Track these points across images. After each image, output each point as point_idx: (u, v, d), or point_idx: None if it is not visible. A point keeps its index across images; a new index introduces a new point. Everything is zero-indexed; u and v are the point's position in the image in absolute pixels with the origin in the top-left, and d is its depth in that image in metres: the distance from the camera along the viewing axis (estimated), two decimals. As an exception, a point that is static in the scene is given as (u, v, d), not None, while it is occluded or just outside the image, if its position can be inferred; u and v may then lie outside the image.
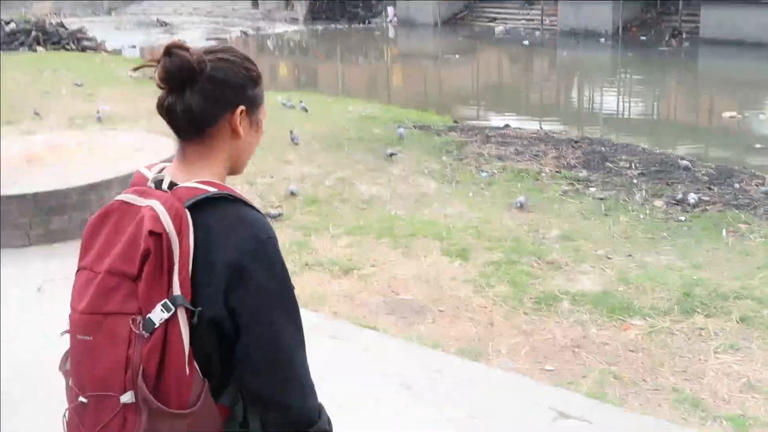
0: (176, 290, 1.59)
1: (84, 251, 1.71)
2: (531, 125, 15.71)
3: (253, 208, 1.79)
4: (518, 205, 9.37)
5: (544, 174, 10.76)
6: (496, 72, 28.98)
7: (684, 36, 29.31)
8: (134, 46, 32.86)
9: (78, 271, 1.72)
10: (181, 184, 1.70)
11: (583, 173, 10.78)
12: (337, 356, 5.46)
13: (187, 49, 1.68)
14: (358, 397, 4.91)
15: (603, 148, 11.98)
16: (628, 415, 4.70)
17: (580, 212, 9.28)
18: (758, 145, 15.37)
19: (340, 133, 13.10)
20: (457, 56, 30.10)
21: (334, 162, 11.36)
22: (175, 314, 1.58)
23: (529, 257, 7.66)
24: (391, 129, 13.28)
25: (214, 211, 1.69)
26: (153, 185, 1.73)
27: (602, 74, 25.85)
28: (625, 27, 31.90)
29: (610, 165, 11.08)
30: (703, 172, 10.77)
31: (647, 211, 9.25)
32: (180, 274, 1.60)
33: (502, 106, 21.27)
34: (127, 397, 1.58)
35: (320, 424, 1.77)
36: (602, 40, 30.97)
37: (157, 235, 1.60)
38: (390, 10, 41.40)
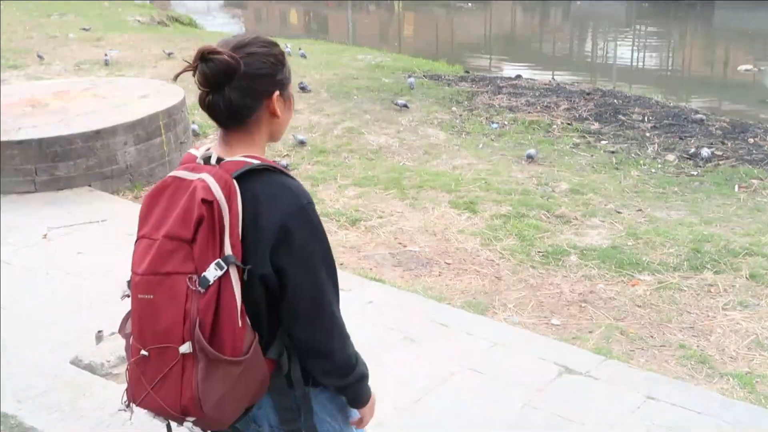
0: (228, 251, 1.75)
1: (142, 222, 1.88)
2: (543, 76, 15.47)
3: (292, 178, 1.93)
4: (528, 157, 9.26)
5: (555, 126, 10.61)
6: (509, 22, 28.54)
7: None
8: None
9: (138, 240, 1.89)
10: (227, 159, 1.87)
11: (595, 126, 10.63)
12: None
13: (220, 53, 1.81)
14: (361, 350, 4.88)
15: (615, 101, 11.79)
16: (634, 371, 4.65)
17: (590, 165, 9.16)
18: (774, 99, 15.13)
19: (349, 82, 12.93)
20: (469, 4, 29.61)
21: (342, 111, 11.22)
22: (227, 272, 1.75)
23: (538, 210, 7.58)
24: (401, 78, 13.10)
25: (260, 181, 1.84)
26: (202, 162, 1.89)
27: (617, 26, 25.41)
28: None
29: (623, 118, 10.91)
30: (717, 126, 10.59)
31: (659, 165, 9.13)
32: (231, 236, 1.76)
33: (514, 56, 20.97)
34: (185, 348, 1.74)
35: (359, 368, 2.06)
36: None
37: (209, 203, 1.76)
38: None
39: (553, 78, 14.77)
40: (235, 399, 1.85)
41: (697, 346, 5.19)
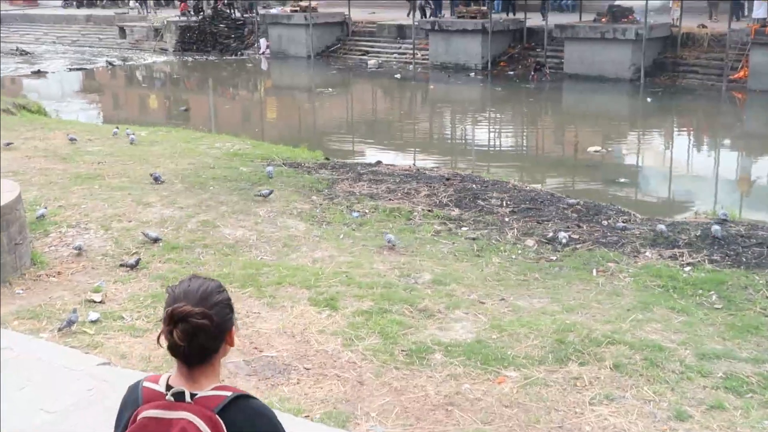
0: None
1: None
2: (403, 160, 15.57)
3: (255, 399, 2.22)
4: (387, 242, 9.13)
5: (416, 213, 10.53)
6: (368, 106, 28.93)
7: (548, 70, 30.19)
8: None
9: None
10: (200, 394, 2.07)
11: (456, 212, 10.63)
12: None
13: (193, 314, 2.07)
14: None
15: (474, 185, 11.90)
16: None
17: (452, 253, 9.07)
18: (622, 179, 15.76)
19: (205, 172, 12.49)
20: (330, 90, 29.88)
21: (197, 204, 10.75)
22: None
23: (401, 305, 7.34)
24: (260, 167, 12.79)
25: (234, 409, 2.09)
26: (172, 399, 2.07)
27: (472, 108, 26.15)
28: (494, 61, 32.56)
29: (482, 203, 10.98)
30: (572, 209, 10.81)
31: (519, 251, 9.14)
32: None
33: (374, 140, 21.13)
34: None
35: None
36: (472, 74, 31.48)
37: None
38: (262, 42, 40.81)
39: (414, 163, 14.84)
40: None
41: (567, 449, 5.00)
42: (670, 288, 7.91)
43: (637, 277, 8.28)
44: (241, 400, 2.15)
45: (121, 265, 8.37)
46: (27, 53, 42.40)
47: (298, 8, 39.98)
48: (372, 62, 35.46)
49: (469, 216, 10.43)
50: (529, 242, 9.42)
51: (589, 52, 29.21)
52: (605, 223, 10.17)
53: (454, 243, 9.41)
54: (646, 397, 5.68)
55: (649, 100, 25.37)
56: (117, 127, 16.55)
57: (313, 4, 39.82)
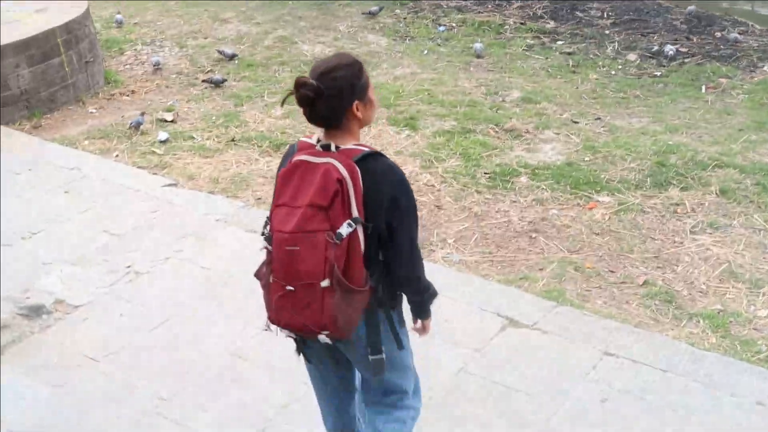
0: (354, 214, 2.36)
1: (279, 193, 2.43)
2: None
3: (387, 158, 2.51)
4: (475, 51, 8.57)
5: (507, 27, 9.70)
6: None
7: None
8: None
9: (276, 207, 2.42)
10: (343, 147, 2.43)
11: (551, 24, 9.74)
12: (249, 253, 4.66)
13: (308, 85, 2.37)
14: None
15: (573, -5, 10.85)
16: (589, 320, 3.99)
17: (545, 69, 8.34)
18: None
19: (284, -15, 11.83)
20: None
21: (275, 19, 10.20)
22: (355, 229, 2.36)
23: (486, 125, 6.79)
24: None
25: (371, 162, 2.43)
26: (321, 149, 2.43)
27: None
28: None
29: (580, 14, 10.02)
30: (682, 19, 9.75)
31: (619, 67, 8.33)
32: (356, 204, 2.36)
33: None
34: (325, 283, 2.33)
35: (432, 288, 2.66)
36: None
37: (340, 181, 2.34)
38: None
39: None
40: (356, 317, 2.46)
41: (663, 281, 4.53)
42: (791, 106, 7.08)
43: (752, 94, 7.43)
44: (378, 155, 2.48)
45: (204, 81, 8.02)
46: None
47: None
48: None
49: (565, 29, 9.54)
50: (631, 56, 8.56)
51: None
52: (718, 35, 9.13)
53: (547, 58, 8.64)
54: (756, 226, 5.10)
55: None
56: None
57: None
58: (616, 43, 8.95)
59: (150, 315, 4.20)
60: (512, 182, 5.76)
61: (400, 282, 2.58)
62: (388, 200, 2.42)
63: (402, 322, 2.68)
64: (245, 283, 4.37)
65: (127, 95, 7.91)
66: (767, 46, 8.68)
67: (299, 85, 2.40)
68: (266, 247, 2.47)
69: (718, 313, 4.21)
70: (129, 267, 4.61)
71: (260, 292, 2.54)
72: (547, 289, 4.39)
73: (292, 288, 2.38)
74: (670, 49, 8.44)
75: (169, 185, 5.66)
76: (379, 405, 2.83)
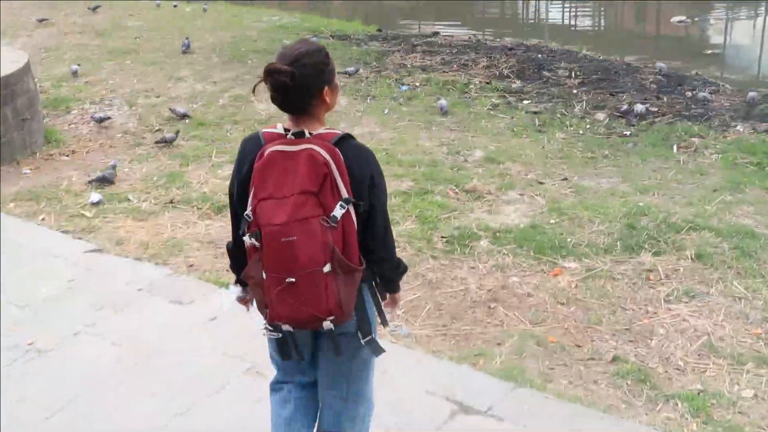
0: (345, 194, 2.39)
1: (260, 187, 2.42)
2: (466, 34, 14.19)
3: (357, 140, 2.59)
4: (440, 108, 8.34)
5: (472, 86, 9.38)
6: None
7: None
8: None
9: (260, 201, 2.41)
10: (316, 132, 2.48)
11: (517, 84, 9.44)
12: (171, 327, 4.13)
13: (281, 71, 2.39)
14: (196, 382, 3.63)
15: (540, 56, 10.60)
16: (552, 404, 3.48)
17: (510, 128, 7.97)
18: (710, 51, 14.14)
19: (245, 45, 11.52)
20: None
21: (233, 78, 9.83)
22: (348, 209, 2.40)
23: (446, 185, 6.36)
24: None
25: (345, 145, 2.48)
26: (293, 136, 2.47)
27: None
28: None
29: (547, 74, 9.74)
30: (651, 79, 9.50)
31: (587, 126, 7.98)
32: (344, 185, 2.39)
33: (438, 16, 19.60)
34: (327, 268, 2.36)
35: (403, 264, 2.77)
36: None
37: (326, 164, 2.38)
38: None
39: (474, 35, 13.46)
40: (354, 296, 2.48)
41: (635, 357, 4.04)
42: (766, 166, 6.72)
43: (726, 153, 7.07)
44: (349, 137, 2.52)
45: (157, 142, 7.55)
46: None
47: None
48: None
49: (532, 88, 9.23)
50: (600, 116, 8.23)
51: None
52: (689, 94, 8.85)
53: (513, 117, 8.28)
54: (735, 294, 4.65)
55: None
56: (158, 4, 15.57)
57: None
58: (584, 103, 8.63)
59: (50, 400, 3.63)
60: (471, 247, 5.30)
61: (378, 260, 2.60)
62: (368, 180, 2.48)
63: (383, 296, 2.75)
64: (166, 360, 3.85)
65: (67, 155, 7.43)
66: (739, 106, 8.40)
67: (273, 71, 2.41)
68: (253, 245, 2.42)
69: (698, 393, 3.71)
70: (31, 344, 4.05)
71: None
72: (506, 367, 3.88)
73: (292, 279, 2.36)
74: (640, 107, 8.12)
75: (93, 251, 5.15)
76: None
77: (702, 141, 7.41)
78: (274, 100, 2.48)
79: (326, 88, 2.50)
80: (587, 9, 20.35)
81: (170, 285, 4.62)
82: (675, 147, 7.29)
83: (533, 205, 6.03)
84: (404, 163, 6.85)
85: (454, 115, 8.36)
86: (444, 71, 10.00)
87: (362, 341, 2.58)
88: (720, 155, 7.05)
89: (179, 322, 4.17)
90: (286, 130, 2.48)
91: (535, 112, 8.39)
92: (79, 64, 10.38)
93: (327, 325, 2.40)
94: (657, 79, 9.48)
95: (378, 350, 2.63)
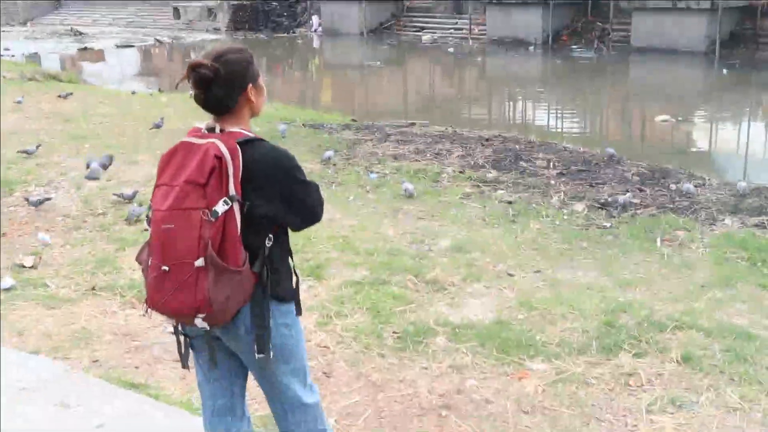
0: (232, 192, 2.37)
1: (160, 174, 2.47)
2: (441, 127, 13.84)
3: (272, 144, 2.60)
4: (404, 191, 7.91)
5: (445, 174, 8.87)
6: (417, 79, 27.21)
7: (611, 39, 28.12)
8: (8, 49, 30.44)
9: (157, 187, 2.47)
10: (228, 130, 2.48)
11: (492, 174, 8.93)
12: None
13: (204, 66, 2.44)
14: None
15: (518, 146, 10.17)
16: None
17: (482, 218, 7.39)
18: (695, 149, 13.80)
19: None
20: (378, 63, 28.27)
21: (193, 162, 9.29)
22: (231, 207, 2.38)
23: (404, 275, 5.72)
24: (276, 127, 11.26)
25: (256, 145, 2.49)
26: (206, 131, 2.50)
27: (529, 82, 24.08)
28: (555, 36, 30.54)
29: (525, 164, 9.26)
30: (634, 171, 9.01)
31: (565, 217, 7.41)
32: (234, 182, 2.37)
33: (415, 110, 19.37)
34: (199, 262, 2.34)
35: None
36: (531, 48, 29.52)
37: (219, 158, 2.39)
38: (314, 19, 39.48)
39: (450, 126, 13.05)
40: (233, 301, 2.42)
41: (610, 481, 3.32)
42: (759, 261, 6.12)
43: (714, 247, 6.49)
44: (264, 141, 2.52)
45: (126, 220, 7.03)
46: (80, 33, 42.13)
47: (351, -16, 38.46)
48: (426, 38, 33.84)
49: (508, 178, 8.72)
50: (578, 207, 7.67)
51: (659, 23, 27.00)
52: (673, 187, 8.35)
53: (485, 206, 7.72)
54: (729, 403, 3.96)
55: (725, 71, 23.09)
56: (134, 92, 15.28)
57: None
58: (562, 193, 8.11)
59: None
60: (426, 344, 4.62)
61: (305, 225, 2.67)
62: (280, 183, 2.48)
63: (293, 316, 2.65)
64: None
65: (-5, 238, 6.78)
66: (727, 199, 7.88)
67: (195, 65, 2.42)
68: (146, 228, 2.47)
69: None
70: None
71: None
72: (450, 494, 3.15)
73: (166, 268, 2.36)
74: (621, 198, 7.59)
75: (-17, 343, 4.43)
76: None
77: (688, 234, 6.84)
78: (197, 98, 2.48)
79: (250, 85, 2.53)
80: (567, 108, 20.12)
81: (62, 383, 3.90)
82: (659, 240, 6.71)
83: (501, 299, 5.38)
84: (361, 252, 6.22)
85: (422, 203, 7.80)
86: (416, 159, 9.53)
87: (256, 356, 2.52)
88: (708, 249, 6.46)
89: (58, 428, 3.44)
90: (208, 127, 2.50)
91: (510, 202, 7.84)
92: (38, 146, 9.89)
93: (200, 323, 2.40)
94: (640, 172, 9.01)
95: (264, 366, 2.56)
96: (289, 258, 2.70)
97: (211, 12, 44.60)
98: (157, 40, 37.25)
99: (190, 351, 2.64)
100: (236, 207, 2.38)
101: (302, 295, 5.26)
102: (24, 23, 51.71)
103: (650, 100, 20.03)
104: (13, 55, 30.56)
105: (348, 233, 6.78)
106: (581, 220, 7.33)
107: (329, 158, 9.43)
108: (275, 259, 2.54)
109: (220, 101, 2.48)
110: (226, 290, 2.37)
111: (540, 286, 5.67)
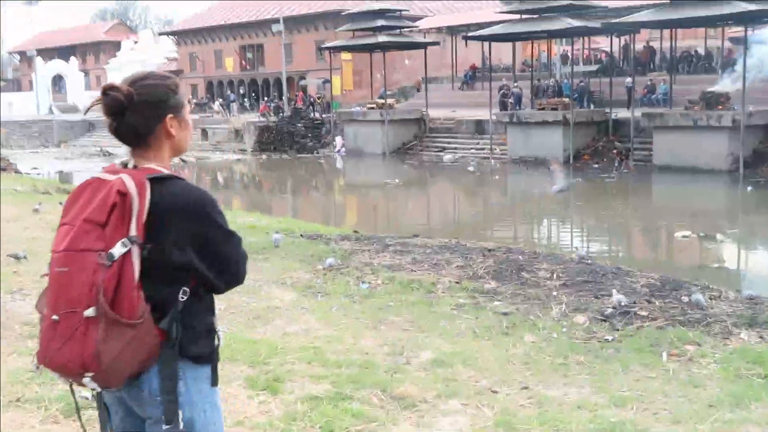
0: (133, 233, 2.11)
1: (65, 212, 2.20)
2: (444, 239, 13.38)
3: (189, 183, 2.32)
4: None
5: (439, 285, 8.31)
6: (431, 195, 27.07)
7: (633, 158, 27.91)
8: (35, 168, 31.57)
9: (60, 226, 2.19)
10: (142, 165, 2.25)
11: (491, 284, 8.36)
12: None
13: (117, 88, 2.22)
14: None
15: (521, 257, 9.62)
16: None
17: (472, 330, 6.77)
18: (716, 264, 13.13)
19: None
20: (396, 181, 28.19)
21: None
22: (130, 250, 2.11)
23: (371, 390, 5.10)
24: (270, 236, 10.86)
25: (169, 183, 2.22)
26: (121, 166, 2.27)
27: (545, 199, 23.69)
28: (576, 155, 30.40)
29: (526, 275, 8.68)
30: (643, 282, 8.39)
31: (563, 329, 6.77)
32: (137, 222, 2.11)
33: (424, 225, 18.96)
34: (90, 312, 2.04)
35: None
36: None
37: (123, 195, 2.13)
38: (338, 140, 40.03)
39: (454, 237, 12.57)
40: (128, 360, 2.11)
41: None
42: (777, 379, 5.42)
43: (727, 363, 5.79)
44: (181, 180, 2.25)
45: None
46: (109, 154, 43.19)
47: (375, 105, 39.12)
48: (447, 157, 33.93)
49: (507, 289, 8.13)
50: (580, 318, 7.03)
51: (680, 142, 26.73)
52: (685, 299, 7.70)
53: (477, 318, 7.12)
54: None
55: (749, 189, 22.57)
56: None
57: (391, 101, 39.05)
58: (564, 305, 7.48)
59: None
60: (378, 470, 3.97)
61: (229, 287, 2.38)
62: (193, 227, 2.22)
63: (213, 380, 2.33)
64: None
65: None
66: (743, 312, 7.21)
67: (107, 88, 2.26)
68: (46, 274, 2.21)
69: None
70: None
71: None
72: None
73: (56, 317, 2.10)
74: (624, 302, 6.99)
75: None
76: None
77: (698, 349, 6.16)
78: (109, 127, 2.29)
79: (170, 115, 2.31)
80: (584, 225, 19.63)
81: None
82: (665, 355, 6.03)
83: (477, 418, 4.72)
84: (329, 363, 5.62)
85: (410, 313, 7.22)
86: (412, 270, 9.00)
87: (163, 427, 2.20)
88: (719, 365, 5.77)
89: None
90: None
91: (505, 313, 7.23)
92: (25, 256, 9.54)
93: (88, 382, 2.10)
94: (650, 283, 8.37)
95: None
96: (212, 316, 2.34)
97: (238, 133, 45.58)
98: (182, 160, 37.82)
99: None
100: (135, 251, 2.12)
101: (251, 411, 4.71)
102: (58, 145, 53.47)
103: (672, 216, 19.49)
104: (39, 174, 31.24)
105: (322, 344, 6.20)
106: (581, 332, 6.69)
107: (330, 265, 8.98)
108: (192, 316, 2.24)
109: (135, 130, 2.26)
110: (117, 346, 2.07)
111: (525, 404, 5.01)
